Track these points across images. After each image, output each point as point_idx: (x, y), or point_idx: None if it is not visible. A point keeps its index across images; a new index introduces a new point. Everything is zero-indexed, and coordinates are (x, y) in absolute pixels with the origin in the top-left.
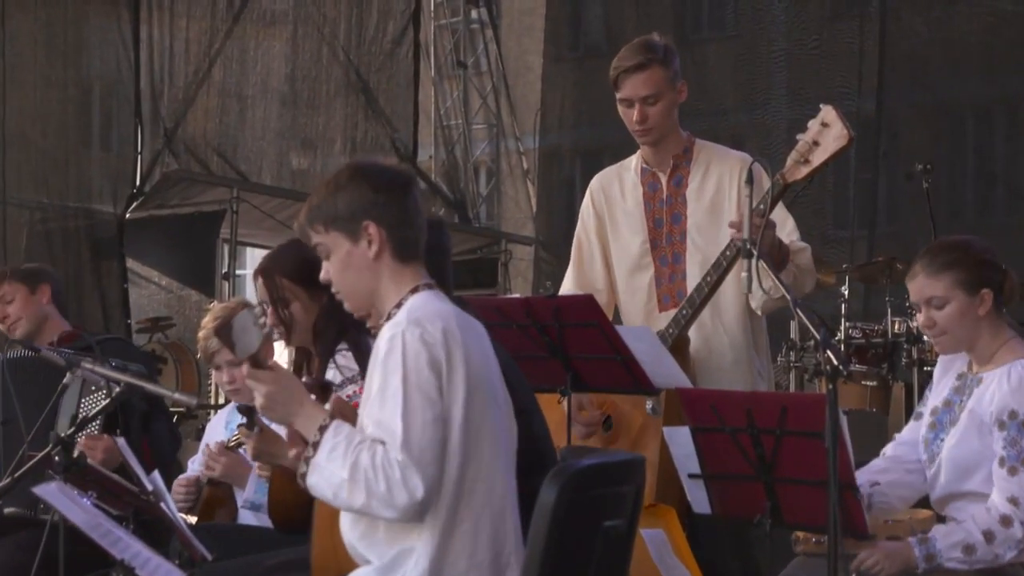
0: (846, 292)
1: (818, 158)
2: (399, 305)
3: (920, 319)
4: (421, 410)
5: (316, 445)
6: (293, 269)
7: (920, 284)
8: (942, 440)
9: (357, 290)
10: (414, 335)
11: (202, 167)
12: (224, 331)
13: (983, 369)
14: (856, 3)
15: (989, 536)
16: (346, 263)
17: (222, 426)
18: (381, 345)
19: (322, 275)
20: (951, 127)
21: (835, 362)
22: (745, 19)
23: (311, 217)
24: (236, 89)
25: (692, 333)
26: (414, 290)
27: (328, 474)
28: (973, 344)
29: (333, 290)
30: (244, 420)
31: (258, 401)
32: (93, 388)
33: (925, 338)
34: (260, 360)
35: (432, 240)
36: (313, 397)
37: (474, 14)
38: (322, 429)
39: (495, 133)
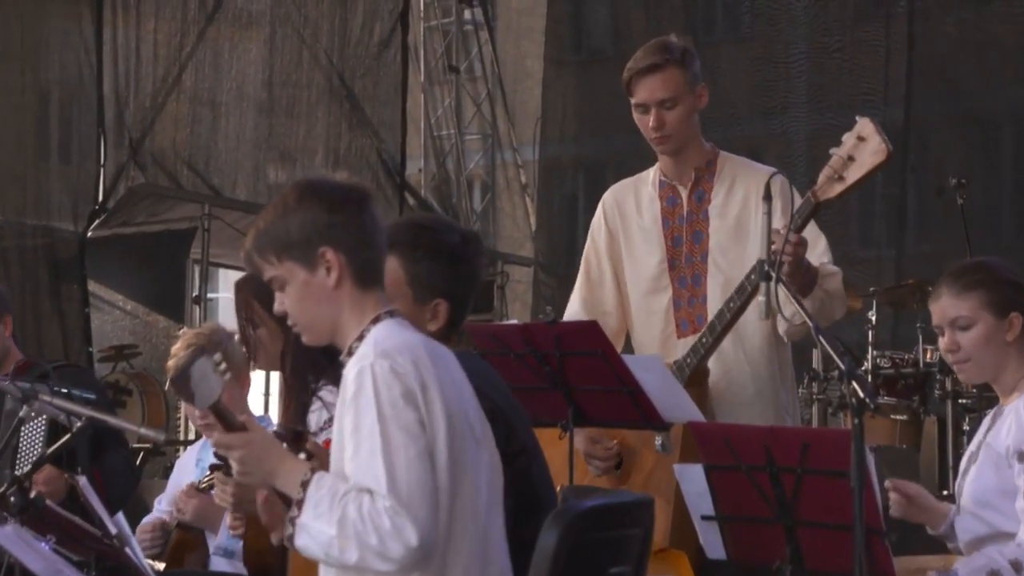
0: (873, 318)
1: (853, 175)
2: (361, 337)
3: (943, 343)
4: (403, 447)
5: (300, 503)
6: (267, 294)
7: (944, 304)
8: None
9: (316, 322)
10: (383, 368)
11: (171, 181)
12: (181, 380)
13: (1007, 401)
14: (882, 2)
15: (1017, 567)
16: (303, 293)
17: (192, 464)
18: (348, 383)
19: (276, 306)
20: (986, 137)
21: (861, 394)
22: (762, 20)
23: (260, 245)
24: (208, 96)
25: (712, 363)
26: (376, 319)
27: (316, 533)
28: (998, 374)
29: (289, 322)
30: (218, 461)
31: (234, 469)
32: (33, 415)
33: None
34: (222, 410)
35: (467, 263)
36: (285, 446)
37: (467, 14)
38: (304, 485)
39: (490, 144)
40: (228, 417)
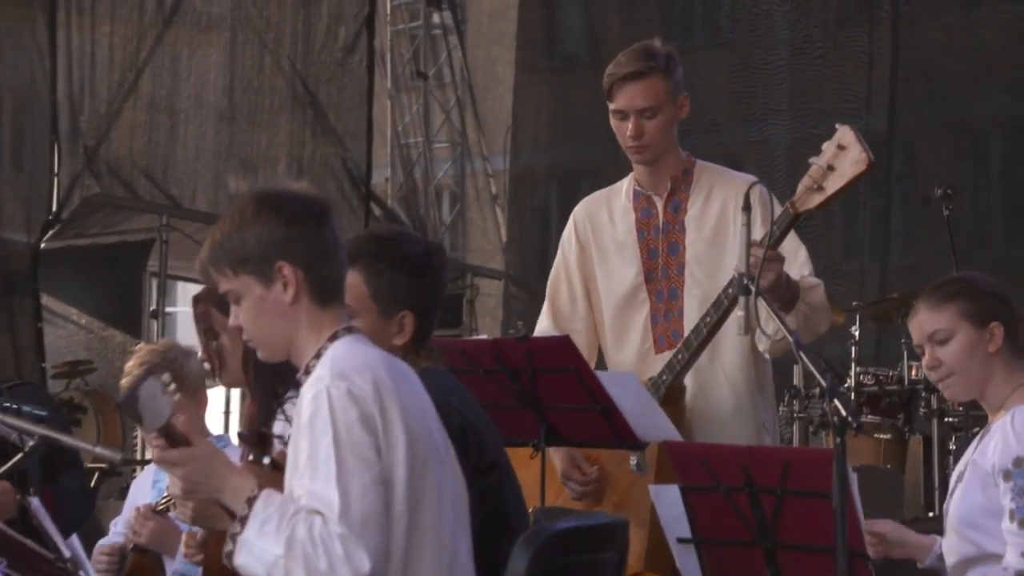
0: (856, 333)
1: (833, 185)
2: (318, 355)
3: (925, 361)
4: (358, 474)
5: (244, 520)
6: (227, 303)
7: (922, 319)
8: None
9: (271, 338)
10: (340, 390)
11: (127, 191)
12: (129, 403)
13: (995, 418)
14: (866, 6)
15: None
16: (259, 309)
17: (149, 485)
18: (304, 406)
19: (231, 320)
20: (974, 146)
21: (844, 412)
22: (741, 24)
23: (215, 257)
24: (166, 103)
25: (688, 380)
26: (333, 336)
27: (259, 551)
28: (984, 388)
29: (245, 337)
30: None
31: (177, 487)
32: None
33: None
34: (172, 432)
35: (432, 274)
36: (250, 457)
37: (436, 18)
38: (250, 501)
39: (460, 153)
40: (179, 440)
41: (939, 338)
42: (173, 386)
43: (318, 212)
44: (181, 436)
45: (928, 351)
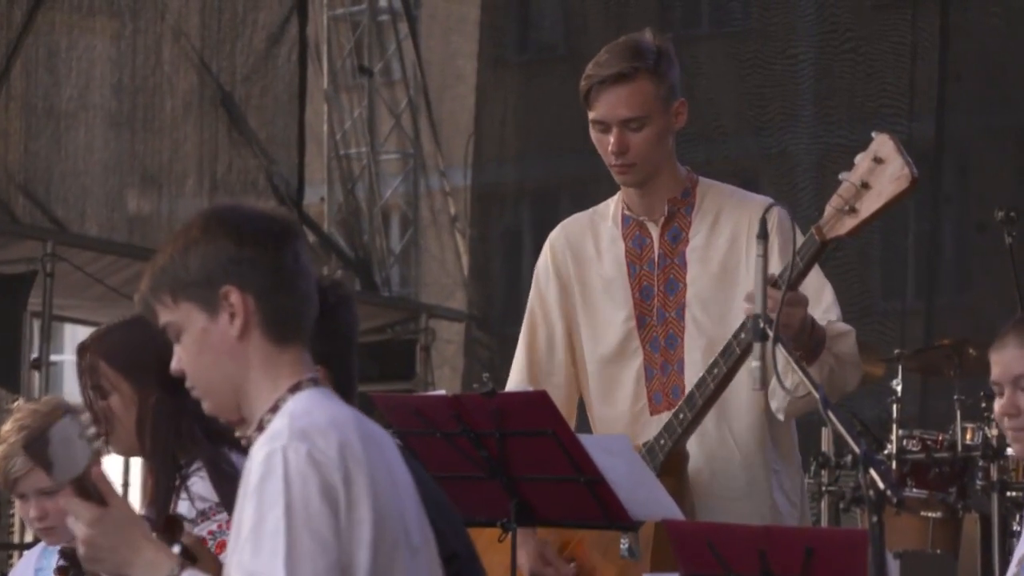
0: (898, 388)
1: (869, 207)
2: (275, 408)
3: (1000, 404)
4: (311, 557)
5: None
6: (118, 353)
7: (1009, 357)
8: None
9: (216, 383)
10: (299, 453)
11: (3, 212)
12: (37, 446)
13: None
14: None
15: None
16: (201, 345)
17: (30, 573)
18: (254, 467)
19: (174, 364)
20: None
21: (881, 485)
22: (757, 10)
23: (155, 283)
24: (44, 104)
25: (691, 446)
26: (295, 387)
27: None
28: None
29: (188, 385)
30: (64, 563)
31: (80, 549)
32: None
33: (1009, 450)
34: (88, 486)
35: (330, 316)
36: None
37: (383, 1)
38: None
39: (412, 166)
40: (94, 497)
41: None
42: (93, 430)
43: (278, 232)
44: (97, 492)
45: (1009, 394)
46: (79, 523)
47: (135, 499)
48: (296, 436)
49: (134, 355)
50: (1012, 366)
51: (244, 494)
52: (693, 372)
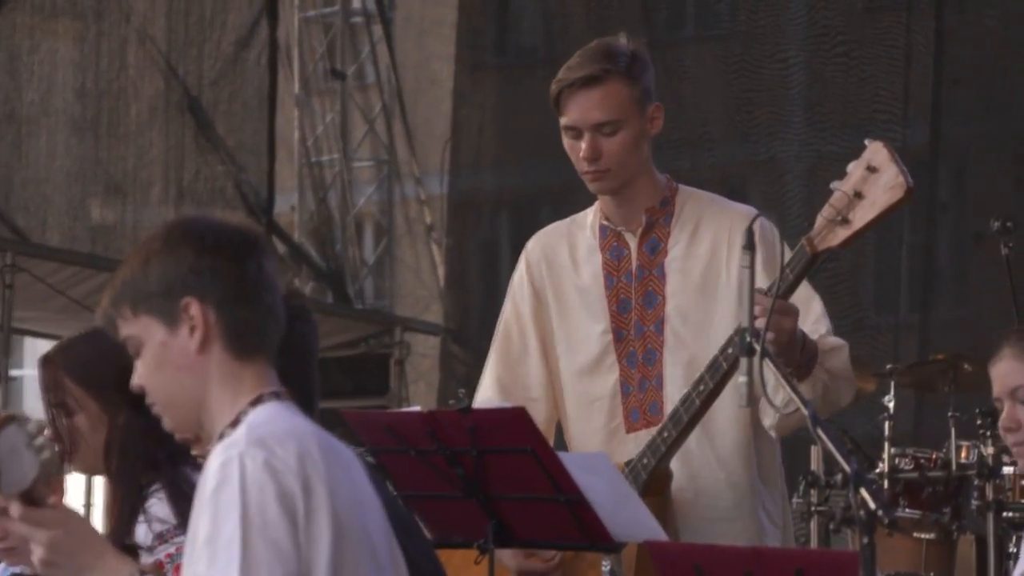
0: (891, 405)
1: (862, 217)
2: (236, 422)
3: (1003, 419)
4: (267, 566)
5: None
6: (84, 368)
7: (1006, 369)
8: None
9: (176, 398)
10: (256, 460)
11: None
12: None
13: None
14: None
15: None
16: (160, 359)
17: None
18: (210, 475)
19: (134, 380)
20: None
21: (873, 505)
22: (745, 12)
23: (116, 296)
24: (5, 109)
25: (675, 465)
26: (256, 400)
27: None
28: None
29: (148, 401)
30: None
31: (37, 554)
32: None
33: (1006, 468)
34: (36, 497)
35: (289, 331)
36: None
37: (356, 2)
38: None
39: (386, 174)
40: (43, 506)
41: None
42: (42, 439)
43: (242, 243)
44: (50, 503)
45: (1009, 408)
46: (38, 530)
47: (97, 521)
48: (253, 443)
49: (100, 370)
50: (1008, 379)
51: (200, 503)
52: (674, 387)
